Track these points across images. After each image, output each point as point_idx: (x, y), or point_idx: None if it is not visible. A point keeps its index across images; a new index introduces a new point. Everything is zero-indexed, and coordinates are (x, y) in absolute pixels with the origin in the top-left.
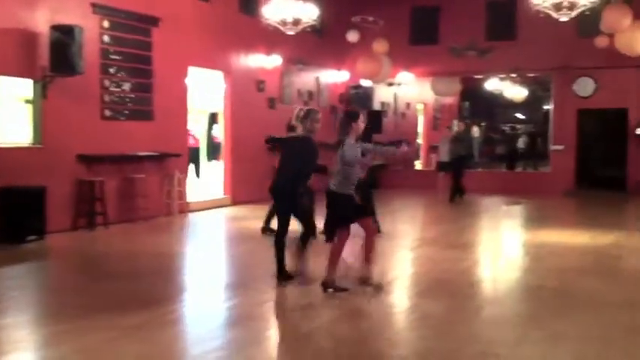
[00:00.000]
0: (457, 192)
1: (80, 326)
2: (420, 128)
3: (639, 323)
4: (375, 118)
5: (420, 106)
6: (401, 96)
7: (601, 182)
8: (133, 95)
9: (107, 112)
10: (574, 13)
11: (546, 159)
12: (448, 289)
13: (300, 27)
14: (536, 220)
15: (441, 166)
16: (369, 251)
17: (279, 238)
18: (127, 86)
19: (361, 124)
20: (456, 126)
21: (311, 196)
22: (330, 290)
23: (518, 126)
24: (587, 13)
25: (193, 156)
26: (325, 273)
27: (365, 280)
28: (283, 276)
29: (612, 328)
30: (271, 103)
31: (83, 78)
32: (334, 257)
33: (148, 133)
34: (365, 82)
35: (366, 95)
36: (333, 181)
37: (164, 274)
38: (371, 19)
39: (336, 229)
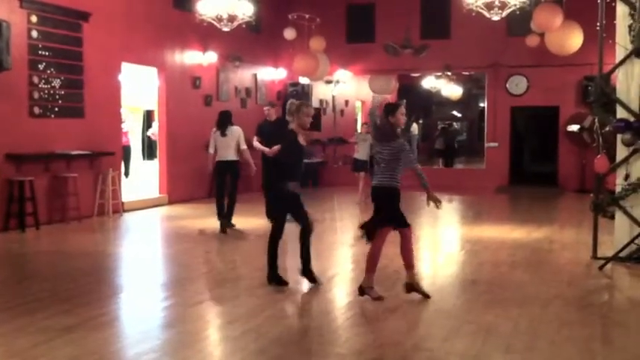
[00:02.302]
0: None
1: (7, 330)
2: (359, 126)
3: (567, 317)
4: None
5: (358, 104)
6: (339, 94)
7: (533, 178)
8: (63, 92)
9: (36, 110)
10: (505, 13)
11: (471, 156)
12: (385, 285)
13: (235, 23)
14: (471, 216)
15: (356, 165)
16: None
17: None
18: (56, 83)
19: (400, 116)
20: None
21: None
22: (366, 297)
23: (456, 124)
24: (518, 12)
25: (124, 154)
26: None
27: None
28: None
29: (541, 321)
30: (207, 100)
31: (10, 74)
32: (373, 260)
33: (79, 130)
34: (303, 80)
35: (304, 93)
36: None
37: (97, 274)
38: (307, 16)
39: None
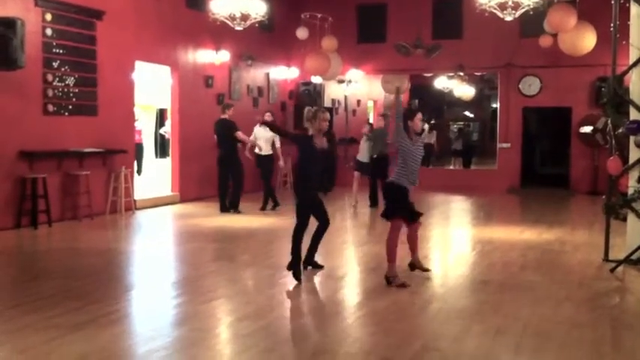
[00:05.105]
0: (373, 198)
1: (18, 326)
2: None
3: (578, 319)
4: None
5: (370, 103)
6: (351, 93)
7: (545, 179)
8: (76, 90)
9: (50, 107)
10: (518, 13)
11: (483, 156)
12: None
13: (248, 22)
14: (482, 216)
15: (359, 166)
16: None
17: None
18: (70, 81)
19: (417, 121)
20: (371, 122)
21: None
22: (393, 285)
23: (470, 124)
24: (531, 13)
25: (136, 152)
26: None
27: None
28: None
29: (551, 322)
30: (220, 99)
31: (25, 72)
32: (391, 251)
33: (92, 128)
34: (315, 79)
35: (316, 92)
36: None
37: (109, 272)
38: (319, 16)
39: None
